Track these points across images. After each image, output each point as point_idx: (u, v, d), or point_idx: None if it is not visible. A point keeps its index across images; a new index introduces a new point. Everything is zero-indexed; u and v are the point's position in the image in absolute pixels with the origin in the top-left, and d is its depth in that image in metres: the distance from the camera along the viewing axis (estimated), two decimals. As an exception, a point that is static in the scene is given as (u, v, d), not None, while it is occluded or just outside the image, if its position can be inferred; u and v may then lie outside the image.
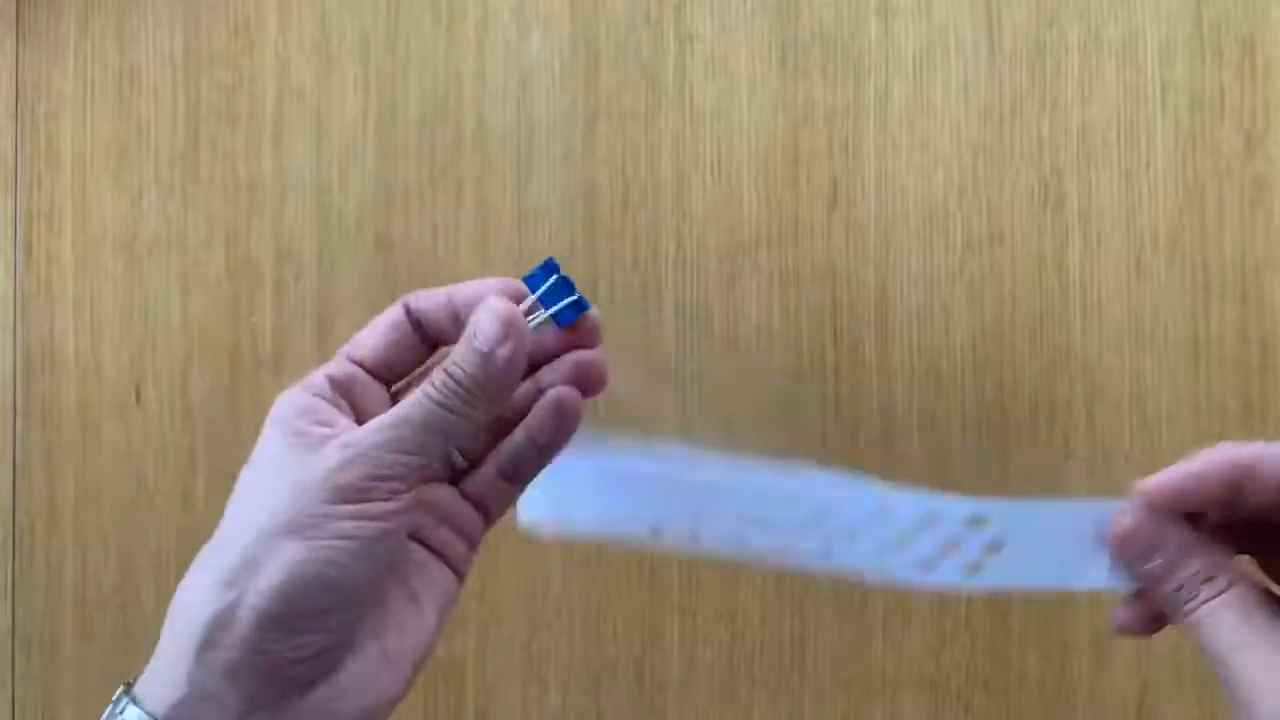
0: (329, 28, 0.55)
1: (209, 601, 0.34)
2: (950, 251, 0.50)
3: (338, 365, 0.39)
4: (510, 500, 0.41)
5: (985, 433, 0.50)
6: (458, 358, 0.36)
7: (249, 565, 0.34)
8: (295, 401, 0.37)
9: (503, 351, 0.35)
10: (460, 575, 0.41)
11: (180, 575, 0.56)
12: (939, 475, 0.50)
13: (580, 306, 0.38)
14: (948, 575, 0.34)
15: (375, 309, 0.56)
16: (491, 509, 0.41)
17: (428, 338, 0.39)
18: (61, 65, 0.57)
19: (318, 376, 0.38)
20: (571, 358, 0.38)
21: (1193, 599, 0.31)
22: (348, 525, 0.34)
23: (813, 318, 0.51)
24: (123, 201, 0.57)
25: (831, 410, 0.51)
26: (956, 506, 0.33)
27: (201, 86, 0.57)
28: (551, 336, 0.38)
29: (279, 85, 0.56)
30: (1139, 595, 0.33)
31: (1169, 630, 0.49)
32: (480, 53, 0.54)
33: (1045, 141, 0.50)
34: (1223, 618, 0.30)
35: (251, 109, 0.56)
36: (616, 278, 0.52)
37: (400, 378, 0.40)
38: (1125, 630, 0.33)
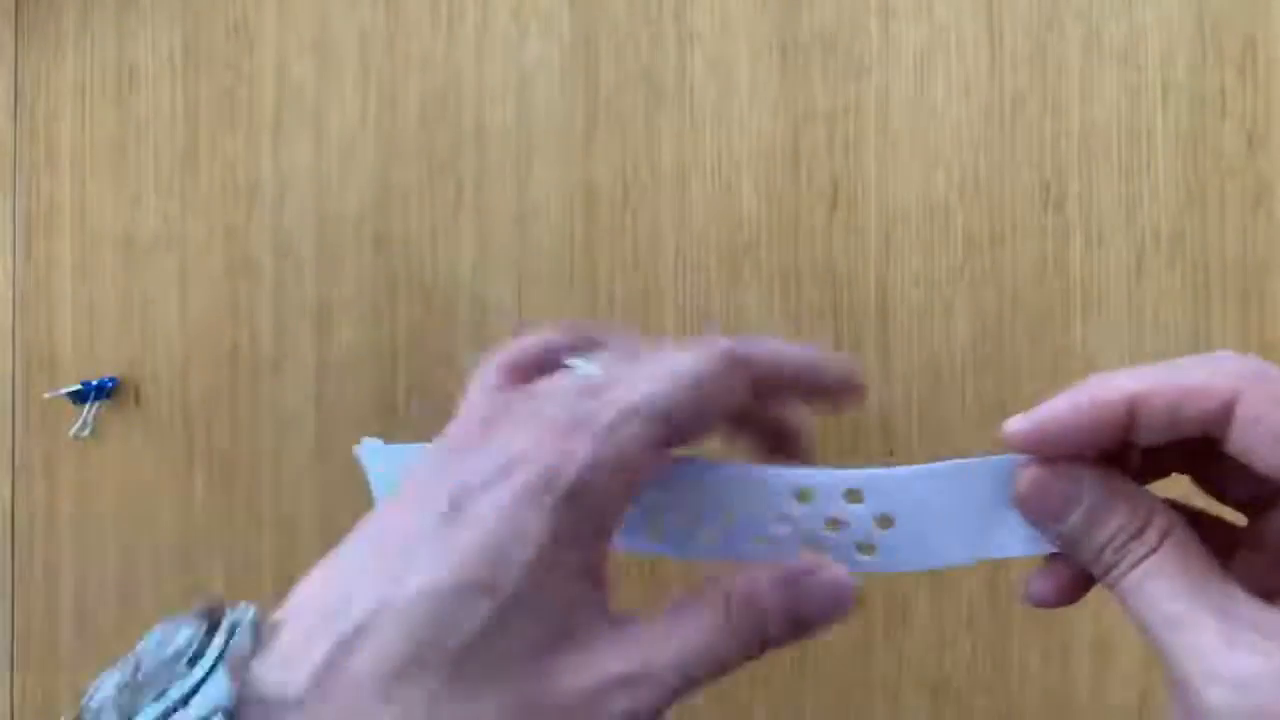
0: (329, 27, 0.55)
1: None
2: (951, 251, 0.50)
3: None
4: None
5: (985, 433, 0.50)
6: None
7: None
8: None
9: None
10: None
11: (179, 574, 0.56)
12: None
13: None
14: (839, 555, 0.29)
15: (375, 309, 0.56)
16: None
17: None
18: (61, 64, 0.57)
19: None
20: None
21: (1119, 561, 0.25)
22: None
23: (813, 318, 0.51)
24: (122, 201, 0.57)
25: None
26: (829, 477, 0.29)
27: (201, 86, 0.57)
28: None
29: (279, 85, 0.56)
30: (1057, 559, 0.27)
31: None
32: (480, 53, 0.54)
33: (1046, 141, 0.50)
34: (1157, 583, 0.25)
35: (251, 109, 0.56)
36: (616, 278, 0.52)
37: None
38: (1042, 602, 0.27)
